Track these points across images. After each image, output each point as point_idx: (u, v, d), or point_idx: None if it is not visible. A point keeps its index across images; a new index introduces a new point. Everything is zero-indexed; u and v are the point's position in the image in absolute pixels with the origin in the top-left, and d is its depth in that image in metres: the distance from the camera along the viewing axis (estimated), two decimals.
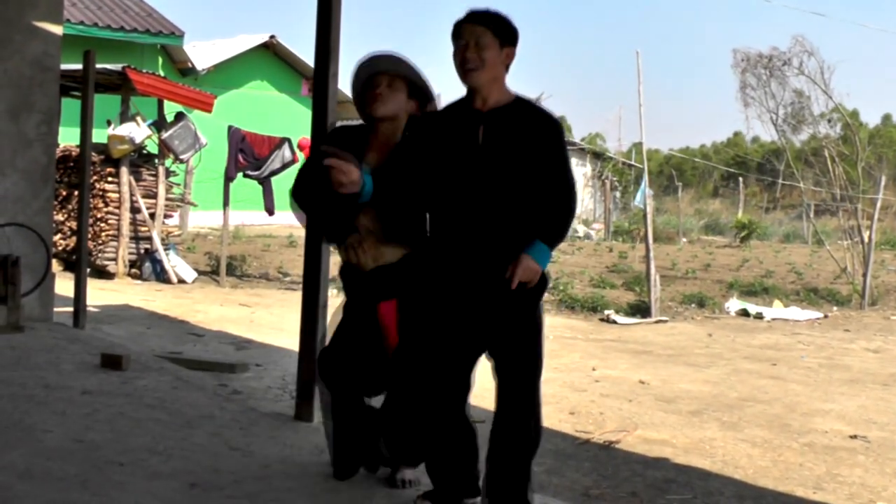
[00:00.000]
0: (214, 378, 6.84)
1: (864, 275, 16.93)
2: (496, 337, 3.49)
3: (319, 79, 5.13)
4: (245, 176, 14.31)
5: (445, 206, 3.50)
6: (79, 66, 8.89)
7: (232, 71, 22.74)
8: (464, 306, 3.46)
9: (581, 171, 32.54)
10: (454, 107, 3.53)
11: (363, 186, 3.36)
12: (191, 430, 4.82)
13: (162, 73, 19.24)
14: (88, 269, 13.34)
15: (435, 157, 3.46)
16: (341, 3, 5.11)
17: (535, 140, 3.41)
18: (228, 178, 14.29)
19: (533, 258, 3.36)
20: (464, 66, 3.39)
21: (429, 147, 3.48)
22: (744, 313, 14.74)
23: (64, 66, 9.18)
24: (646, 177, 16.81)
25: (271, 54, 23.93)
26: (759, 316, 14.52)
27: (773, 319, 14.42)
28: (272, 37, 23.64)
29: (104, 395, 5.54)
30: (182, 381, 6.13)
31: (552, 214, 3.46)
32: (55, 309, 8.20)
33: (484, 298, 3.43)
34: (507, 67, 3.49)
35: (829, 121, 22.00)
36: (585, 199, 32.83)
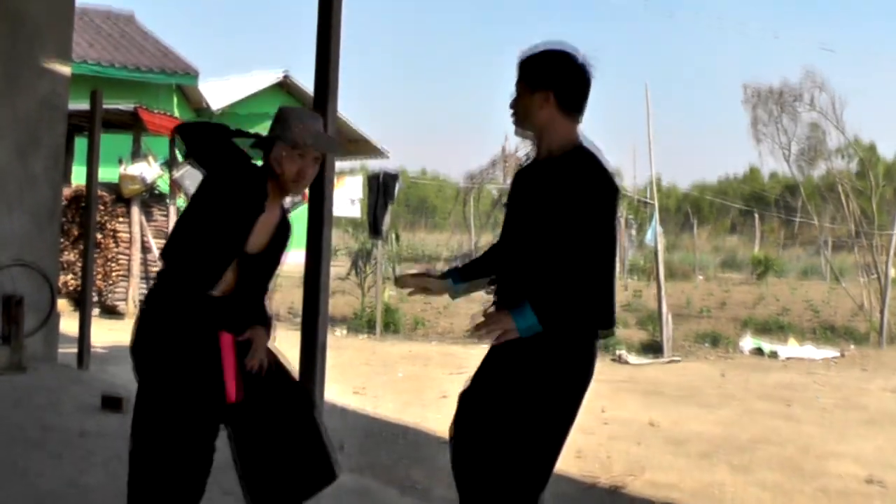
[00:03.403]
0: None
1: (882, 312, 16.72)
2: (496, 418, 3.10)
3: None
4: None
5: (497, 264, 3.31)
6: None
7: (247, 110, 22.85)
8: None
9: None
10: (534, 159, 3.29)
11: (456, 287, 3.43)
12: None
13: (177, 113, 19.39)
14: (99, 309, 13.39)
15: (506, 212, 3.31)
16: (340, 42, 5.10)
17: (552, 199, 3.00)
18: None
19: (511, 316, 2.95)
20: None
21: (508, 202, 3.32)
22: (758, 352, 14.56)
23: (78, 106, 9.24)
24: (656, 214, 16.73)
25: (285, 92, 24.07)
26: (773, 354, 14.33)
27: (789, 358, 14.22)
28: (286, 75, 23.80)
29: (102, 438, 5.49)
30: None
31: (555, 288, 2.96)
32: (61, 349, 8.18)
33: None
34: (564, 111, 3.12)
35: (843, 156, 21.88)
36: None
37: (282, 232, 3.52)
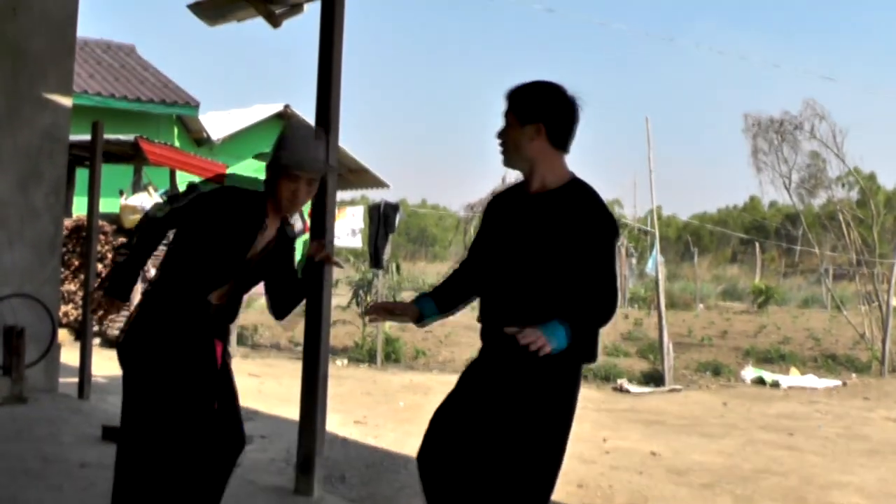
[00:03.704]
0: None
1: (884, 341, 16.69)
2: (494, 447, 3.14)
3: None
4: None
5: (485, 288, 3.32)
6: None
7: (247, 140, 22.91)
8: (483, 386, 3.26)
9: None
10: (516, 188, 3.35)
11: (427, 312, 3.42)
12: None
13: (177, 144, 19.44)
14: (99, 339, 13.36)
15: (487, 238, 3.35)
16: (341, 75, 5.13)
17: (563, 232, 3.07)
18: None
19: (542, 331, 2.95)
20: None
21: (488, 229, 3.36)
22: (760, 381, 14.52)
23: (79, 137, 9.27)
24: (657, 244, 16.75)
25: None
26: (775, 384, 14.29)
27: (790, 388, 14.19)
28: (286, 106, 23.90)
29: (103, 469, 5.45)
30: None
31: (576, 311, 3.03)
32: (63, 379, 8.16)
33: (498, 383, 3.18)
34: (553, 144, 3.18)
35: (844, 185, 21.91)
36: None
37: (279, 247, 3.65)
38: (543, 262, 3.09)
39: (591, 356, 3.21)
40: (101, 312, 3.70)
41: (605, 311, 3.08)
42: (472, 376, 3.31)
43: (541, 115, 3.16)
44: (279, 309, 3.72)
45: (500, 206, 3.36)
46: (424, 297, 3.46)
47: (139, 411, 3.49)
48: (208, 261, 3.50)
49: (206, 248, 3.49)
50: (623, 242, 31.98)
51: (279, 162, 3.52)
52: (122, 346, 3.57)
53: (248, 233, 3.52)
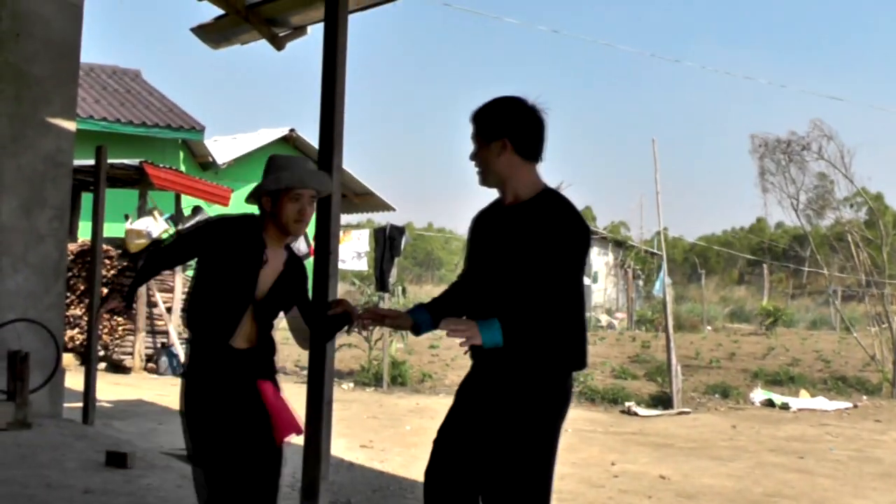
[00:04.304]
0: None
1: (895, 362, 16.56)
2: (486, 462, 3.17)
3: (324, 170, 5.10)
4: None
5: (470, 303, 3.34)
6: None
7: (252, 164, 22.92)
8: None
9: (603, 259, 32.45)
10: (496, 203, 3.36)
11: (422, 323, 3.40)
12: None
13: (183, 168, 19.48)
14: (105, 364, 13.35)
15: (471, 254, 3.39)
16: (345, 97, 5.11)
17: (527, 241, 3.08)
18: None
19: (477, 326, 3.03)
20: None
21: (471, 244, 3.40)
22: (769, 403, 14.41)
23: (84, 162, 9.27)
24: (664, 265, 16.69)
25: (291, 147, 24.19)
26: (784, 406, 14.18)
27: (800, 410, 14.08)
28: (292, 130, 23.95)
29: (106, 495, 5.42)
30: (187, 480, 5.94)
31: (526, 313, 3.04)
32: (68, 404, 8.12)
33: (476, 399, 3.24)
34: (522, 156, 3.18)
35: (853, 205, 21.82)
36: (608, 288, 32.68)
37: (289, 271, 3.67)
38: (516, 273, 3.11)
39: (579, 363, 3.17)
40: (111, 304, 3.87)
41: (556, 316, 3.04)
42: (464, 393, 3.33)
43: (503, 130, 3.19)
44: (318, 334, 3.76)
45: (481, 222, 3.38)
46: (420, 309, 3.47)
47: (200, 451, 3.62)
48: (219, 301, 3.55)
49: (215, 285, 3.55)
50: (629, 264, 31.99)
51: (279, 184, 3.55)
52: (182, 413, 3.68)
53: (250, 267, 3.55)
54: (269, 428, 3.60)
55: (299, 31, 6.57)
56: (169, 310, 13.86)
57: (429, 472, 3.30)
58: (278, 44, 6.60)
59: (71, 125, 7.83)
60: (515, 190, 3.21)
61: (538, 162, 3.26)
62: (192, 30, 6.98)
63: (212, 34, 6.94)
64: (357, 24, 5.24)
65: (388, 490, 7.20)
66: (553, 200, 3.17)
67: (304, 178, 3.57)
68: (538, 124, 3.23)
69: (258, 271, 3.54)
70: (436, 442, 3.33)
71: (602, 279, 32.54)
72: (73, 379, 8.91)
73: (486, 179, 3.27)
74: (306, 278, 3.80)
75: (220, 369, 3.56)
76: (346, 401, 12.14)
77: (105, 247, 13.00)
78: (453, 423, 3.31)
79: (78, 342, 13.11)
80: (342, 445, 8.42)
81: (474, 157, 3.26)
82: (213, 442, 3.54)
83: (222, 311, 3.55)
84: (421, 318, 3.42)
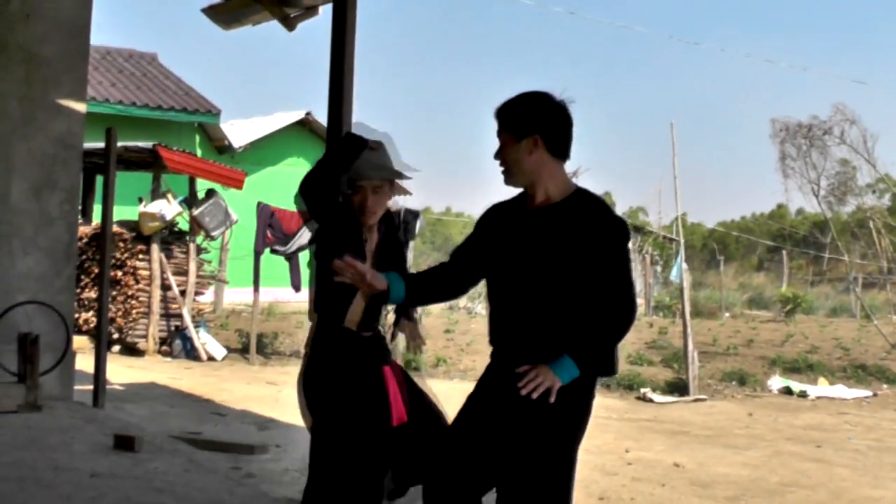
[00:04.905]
0: (228, 460, 6.66)
1: None
2: (507, 464, 3.08)
3: None
4: (272, 252, 14.29)
5: (495, 310, 3.25)
6: None
7: (268, 148, 22.95)
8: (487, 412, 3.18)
9: None
10: (515, 202, 3.24)
11: (394, 294, 3.22)
12: None
13: (199, 151, 19.46)
14: (119, 347, 13.35)
15: (483, 251, 3.25)
16: (353, 78, 5.04)
17: (574, 246, 2.99)
18: (256, 253, 14.30)
19: (552, 370, 2.95)
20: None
21: (484, 242, 3.25)
22: (787, 391, 14.28)
23: (97, 145, 9.21)
24: (682, 251, 16.55)
25: (307, 131, 24.13)
26: (803, 394, 14.04)
27: (818, 398, 13.94)
28: (308, 113, 23.88)
29: (113, 479, 5.38)
30: (194, 464, 5.95)
31: (590, 330, 3.02)
32: (80, 387, 8.11)
33: (504, 412, 3.10)
34: (553, 154, 3.09)
35: (875, 191, 21.59)
36: None
37: (386, 246, 3.87)
38: (556, 279, 3.01)
39: (610, 369, 3.19)
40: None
41: (623, 322, 3.07)
42: (480, 398, 3.22)
43: (535, 126, 3.07)
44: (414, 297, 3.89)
45: (498, 220, 3.24)
46: (397, 278, 3.24)
47: (324, 440, 3.88)
48: (332, 288, 3.61)
49: (327, 275, 3.61)
50: (647, 250, 31.79)
51: (349, 175, 3.73)
52: (304, 390, 3.92)
53: (351, 250, 3.56)
54: (388, 411, 3.80)
55: (311, 11, 6.48)
56: (183, 293, 13.85)
57: (432, 471, 3.22)
58: (290, 24, 6.51)
59: (81, 107, 7.77)
60: (547, 190, 3.10)
61: (566, 160, 3.15)
62: (203, 10, 6.91)
63: (223, 14, 6.87)
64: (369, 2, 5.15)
65: None
66: (591, 202, 3.10)
67: (358, 170, 3.63)
68: (568, 121, 3.13)
69: (360, 252, 3.67)
70: (443, 442, 3.26)
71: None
72: (87, 361, 8.89)
73: (514, 178, 3.14)
74: (402, 248, 4.01)
75: (347, 354, 3.79)
76: None
77: (119, 229, 12.99)
78: (465, 423, 3.21)
79: (93, 325, 13.09)
80: None
81: (499, 154, 3.14)
82: (337, 421, 3.74)
83: (335, 292, 3.68)
84: (395, 290, 3.19)
